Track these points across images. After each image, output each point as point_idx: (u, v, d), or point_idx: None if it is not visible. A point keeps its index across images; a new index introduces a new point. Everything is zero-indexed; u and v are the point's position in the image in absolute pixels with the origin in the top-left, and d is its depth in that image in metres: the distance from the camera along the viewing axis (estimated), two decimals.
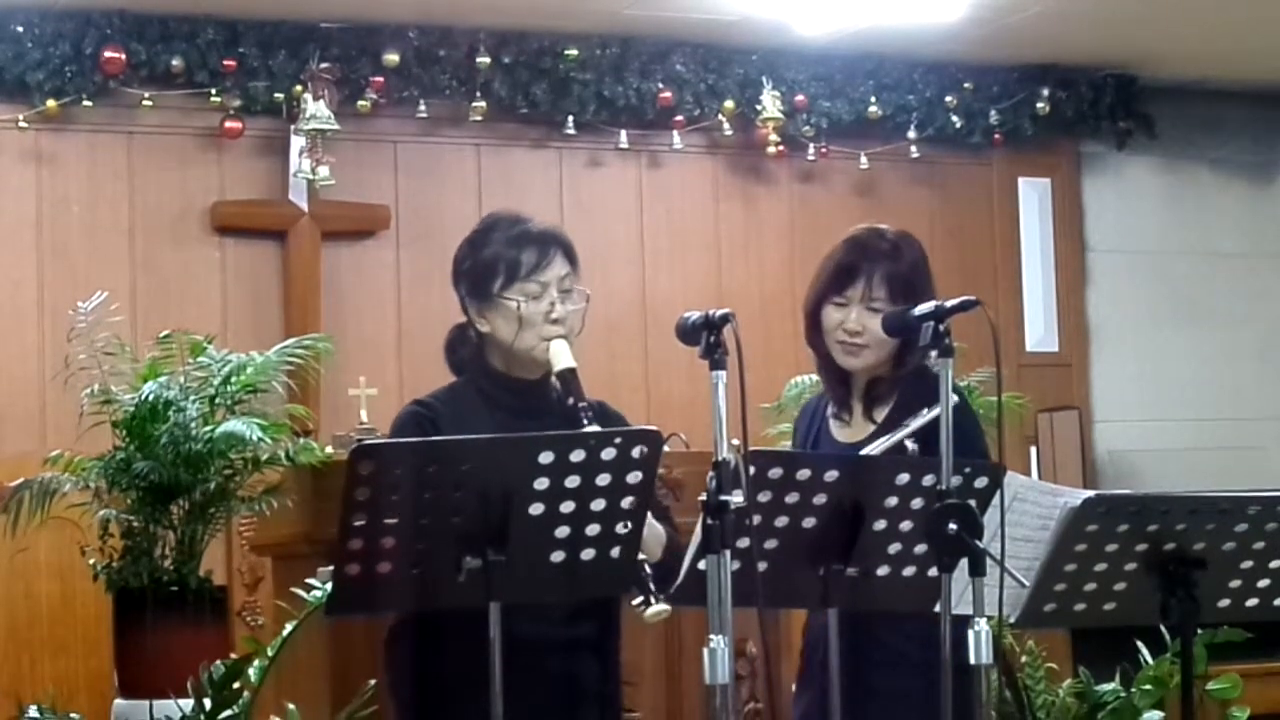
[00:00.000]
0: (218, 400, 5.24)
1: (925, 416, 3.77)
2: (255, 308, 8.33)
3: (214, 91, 8.21)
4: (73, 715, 4.81)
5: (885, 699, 3.81)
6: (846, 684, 3.71)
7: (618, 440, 3.37)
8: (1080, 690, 5.29)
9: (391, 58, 8.45)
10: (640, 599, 3.53)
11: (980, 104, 9.55)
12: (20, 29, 7.95)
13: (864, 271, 3.95)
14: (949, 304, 3.52)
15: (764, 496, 3.41)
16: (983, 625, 3.37)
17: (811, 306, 4.02)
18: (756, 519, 3.38)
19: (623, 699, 3.88)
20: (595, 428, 3.56)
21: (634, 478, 3.37)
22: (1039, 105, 9.60)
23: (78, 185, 8.17)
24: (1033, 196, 9.86)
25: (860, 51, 9.15)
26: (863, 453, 3.79)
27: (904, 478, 3.49)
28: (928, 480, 3.47)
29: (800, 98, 9.15)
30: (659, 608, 3.50)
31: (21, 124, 7.96)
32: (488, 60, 8.59)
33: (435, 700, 3.66)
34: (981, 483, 3.50)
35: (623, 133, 8.92)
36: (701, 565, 3.32)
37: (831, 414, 4.04)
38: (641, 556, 3.54)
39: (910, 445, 3.78)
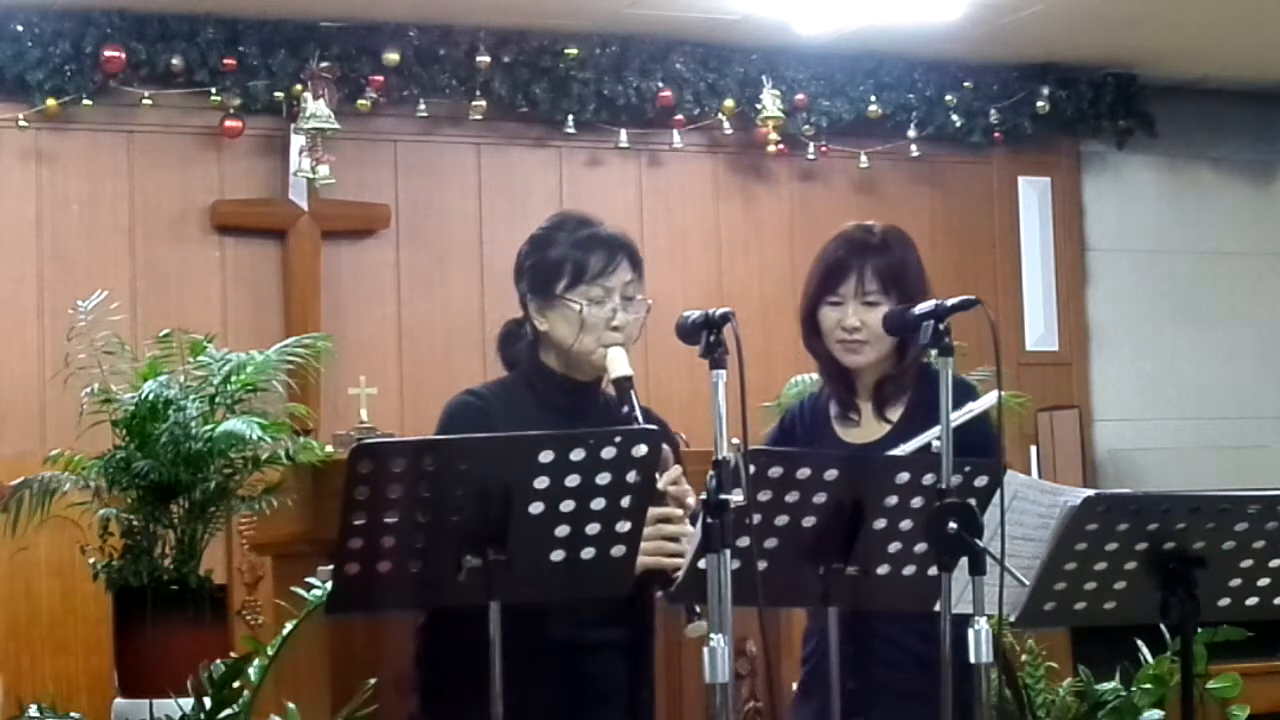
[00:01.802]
0: (218, 399, 5.23)
1: (959, 417, 3.75)
2: (255, 307, 8.33)
3: (214, 91, 8.22)
4: (73, 715, 4.81)
5: (896, 698, 3.80)
6: (856, 684, 3.71)
7: (618, 439, 3.37)
8: (1080, 689, 5.29)
9: (391, 57, 8.46)
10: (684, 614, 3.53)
11: (980, 103, 9.55)
12: (20, 28, 7.96)
13: (854, 267, 3.93)
14: (949, 303, 3.52)
15: (764, 495, 3.40)
16: (983, 624, 3.36)
17: (807, 310, 4.00)
18: (756, 518, 3.38)
19: (655, 705, 3.85)
20: None
21: (634, 477, 3.37)
22: (1039, 104, 9.60)
23: (78, 184, 8.18)
24: (1032, 196, 9.87)
25: (860, 50, 9.15)
26: (896, 451, 3.77)
27: (904, 476, 3.49)
28: (928, 479, 3.47)
29: (800, 97, 9.16)
30: (700, 623, 3.50)
31: (21, 123, 7.96)
32: (488, 59, 8.60)
33: (467, 695, 3.63)
34: (981, 481, 3.50)
35: (623, 132, 8.93)
36: (701, 564, 3.32)
37: (835, 415, 4.02)
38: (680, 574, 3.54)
39: (936, 444, 3.76)
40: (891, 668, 3.81)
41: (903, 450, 3.76)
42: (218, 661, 4.52)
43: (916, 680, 3.71)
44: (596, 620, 3.66)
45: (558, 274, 3.75)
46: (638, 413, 3.63)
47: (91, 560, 5.29)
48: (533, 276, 3.80)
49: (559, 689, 3.57)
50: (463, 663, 3.61)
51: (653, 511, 3.54)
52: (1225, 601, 3.75)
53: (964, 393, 3.76)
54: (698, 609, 3.50)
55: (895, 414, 3.94)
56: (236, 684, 4.45)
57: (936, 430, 3.67)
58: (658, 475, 3.54)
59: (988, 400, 3.83)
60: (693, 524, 3.61)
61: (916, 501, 3.49)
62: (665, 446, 3.61)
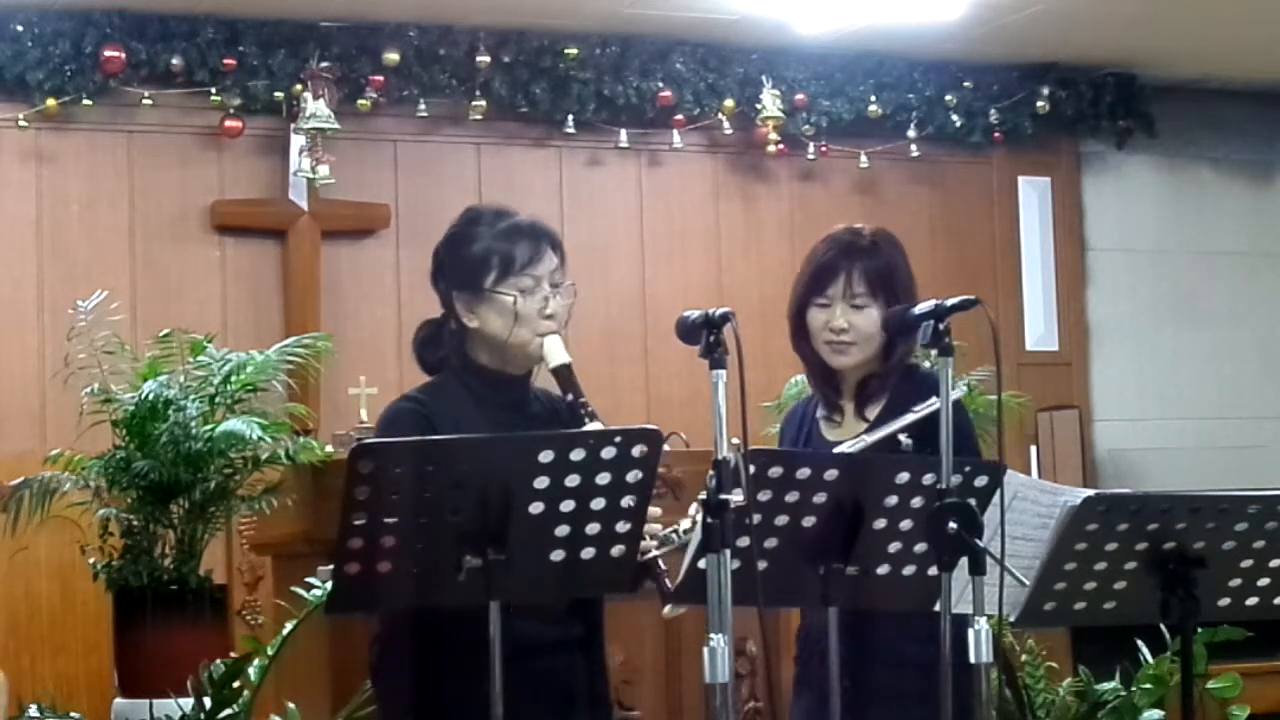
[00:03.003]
0: (218, 399, 5.24)
1: (918, 412, 3.78)
2: (255, 307, 8.33)
3: (214, 91, 8.22)
4: (73, 715, 4.81)
5: (890, 699, 3.81)
6: (850, 684, 3.71)
7: (618, 439, 3.37)
8: (1080, 689, 5.29)
9: (391, 57, 8.45)
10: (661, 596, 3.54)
11: (980, 103, 9.55)
12: (20, 28, 7.96)
13: (843, 269, 3.97)
14: (949, 303, 3.53)
15: (764, 495, 3.41)
16: (983, 624, 3.37)
17: (795, 311, 4.04)
18: (756, 518, 3.38)
19: (612, 697, 3.87)
20: (596, 424, 3.58)
21: (634, 476, 3.37)
22: (1039, 104, 9.60)
23: (78, 184, 8.18)
24: (1032, 196, 9.87)
25: (860, 50, 9.15)
26: (845, 447, 3.79)
27: (904, 476, 3.50)
28: (928, 479, 3.47)
29: (800, 97, 9.16)
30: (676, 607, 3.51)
31: (21, 123, 7.96)
32: (488, 59, 8.60)
33: (430, 705, 3.65)
34: (981, 481, 3.50)
35: (623, 132, 8.92)
36: (701, 564, 3.32)
37: (821, 416, 4.05)
38: (655, 553, 3.55)
39: (905, 441, 3.79)
40: (882, 666, 3.82)
41: (864, 442, 3.79)
42: (218, 661, 4.53)
43: (908, 680, 3.74)
44: (553, 616, 3.66)
45: (484, 268, 3.71)
46: (585, 398, 3.63)
47: (91, 560, 5.29)
48: (457, 273, 3.75)
49: (520, 686, 3.57)
50: (421, 672, 3.61)
51: None
52: (1225, 601, 3.75)
53: (933, 388, 3.77)
54: (669, 585, 3.51)
55: (873, 412, 3.97)
56: (236, 684, 4.45)
57: (899, 424, 3.70)
58: None
59: (954, 394, 3.85)
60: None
61: (916, 501, 3.50)
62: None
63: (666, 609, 3.52)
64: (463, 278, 3.74)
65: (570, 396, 3.64)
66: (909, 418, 3.80)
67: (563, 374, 3.67)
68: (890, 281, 3.96)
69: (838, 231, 4.06)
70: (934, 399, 3.73)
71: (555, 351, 3.69)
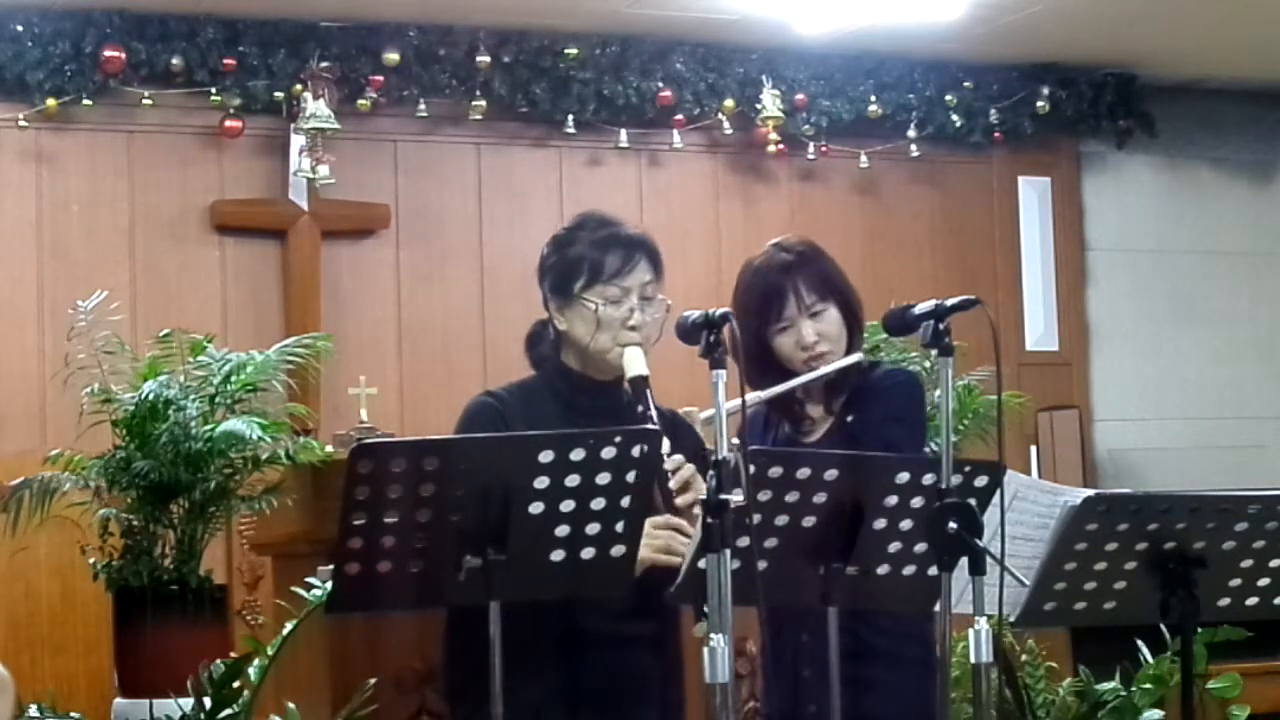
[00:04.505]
0: (218, 399, 5.23)
1: (833, 365, 3.94)
2: (255, 307, 8.33)
3: (214, 91, 8.22)
4: (73, 715, 4.81)
5: (848, 688, 3.81)
6: (810, 671, 3.75)
7: (617, 439, 3.37)
8: (1080, 689, 5.29)
9: (391, 57, 8.46)
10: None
11: (980, 103, 9.55)
12: (20, 28, 7.96)
13: (788, 286, 4.04)
14: (949, 303, 3.54)
15: (764, 495, 3.41)
16: (983, 624, 3.37)
17: (754, 347, 3.99)
18: (757, 518, 3.38)
19: (685, 708, 3.86)
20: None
21: (634, 477, 3.38)
22: (1039, 104, 9.60)
23: (78, 185, 8.18)
24: (1032, 196, 9.87)
25: (860, 50, 9.15)
26: (751, 396, 3.82)
27: (904, 476, 3.50)
28: (928, 479, 3.48)
29: (800, 97, 9.16)
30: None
31: (21, 123, 7.96)
32: (488, 59, 8.60)
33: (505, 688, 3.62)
34: (981, 481, 3.51)
35: (623, 132, 8.92)
36: (701, 564, 3.32)
37: (790, 432, 4.08)
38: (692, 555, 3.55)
39: (848, 418, 3.93)
40: (857, 659, 3.82)
41: (781, 387, 3.92)
42: (218, 661, 4.52)
43: (871, 670, 3.76)
44: (626, 612, 3.66)
45: (575, 273, 3.78)
46: (653, 412, 3.64)
47: (91, 560, 5.28)
48: (553, 276, 3.83)
49: (589, 679, 3.58)
50: (487, 665, 3.60)
51: (669, 519, 3.55)
52: (1225, 601, 3.75)
53: (888, 376, 4.06)
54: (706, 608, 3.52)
55: (838, 403, 4.03)
56: (236, 684, 4.45)
57: (816, 374, 3.92)
58: (671, 487, 3.57)
59: (851, 359, 3.99)
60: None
61: (916, 501, 3.50)
62: (679, 457, 3.62)
63: (697, 626, 3.52)
64: (556, 281, 3.82)
65: (640, 408, 3.65)
66: (825, 369, 3.94)
67: (636, 385, 3.71)
68: (832, 280, 4.06)
69: (765, 254, 4.12)
70: (857, 355, 3.96)
71: (633, 362, 3.73)
